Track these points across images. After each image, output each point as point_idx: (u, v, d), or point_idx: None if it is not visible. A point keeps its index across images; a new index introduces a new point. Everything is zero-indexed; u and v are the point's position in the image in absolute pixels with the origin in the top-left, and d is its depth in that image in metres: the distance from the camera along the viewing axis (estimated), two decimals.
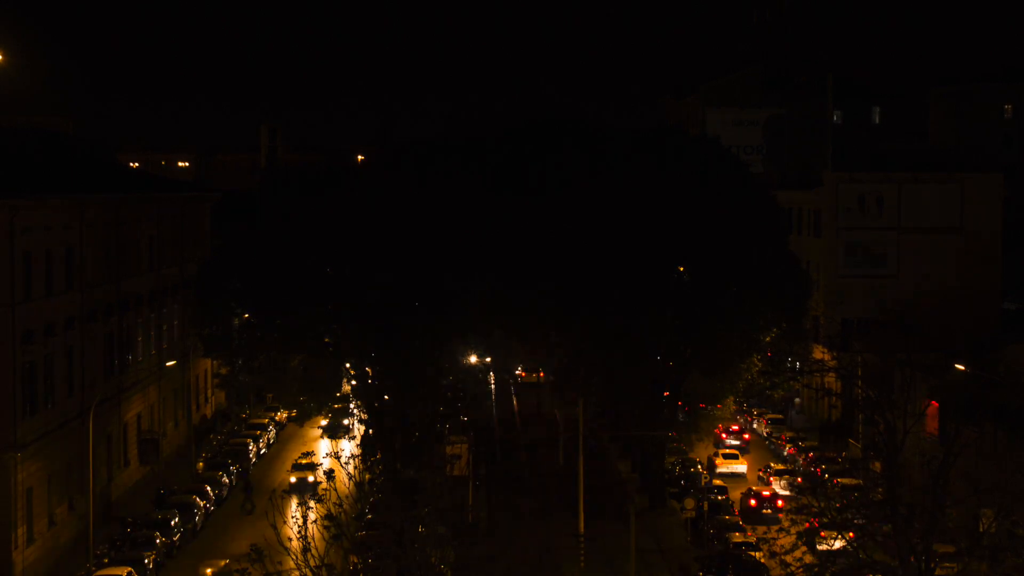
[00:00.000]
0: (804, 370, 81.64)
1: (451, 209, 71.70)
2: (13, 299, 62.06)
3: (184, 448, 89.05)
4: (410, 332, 70.99)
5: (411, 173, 74.45)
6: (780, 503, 75.41)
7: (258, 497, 77.16)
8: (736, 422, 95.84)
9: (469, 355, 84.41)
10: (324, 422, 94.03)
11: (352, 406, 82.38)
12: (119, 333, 78.90)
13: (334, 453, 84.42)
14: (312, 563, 40.49)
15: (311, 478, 77.16)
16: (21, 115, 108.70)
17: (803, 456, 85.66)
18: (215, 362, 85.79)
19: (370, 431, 76.62)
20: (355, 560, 44.82)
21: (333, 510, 42.00)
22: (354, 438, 79.59)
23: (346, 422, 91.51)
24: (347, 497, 44.86)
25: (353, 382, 79.29)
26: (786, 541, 49.28)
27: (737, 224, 74.53)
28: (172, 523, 68.21)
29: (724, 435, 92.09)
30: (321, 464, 77.39)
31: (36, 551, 64.59)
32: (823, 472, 78.52)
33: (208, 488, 76.54)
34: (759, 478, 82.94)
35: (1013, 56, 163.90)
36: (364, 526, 53.69)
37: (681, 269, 76.45)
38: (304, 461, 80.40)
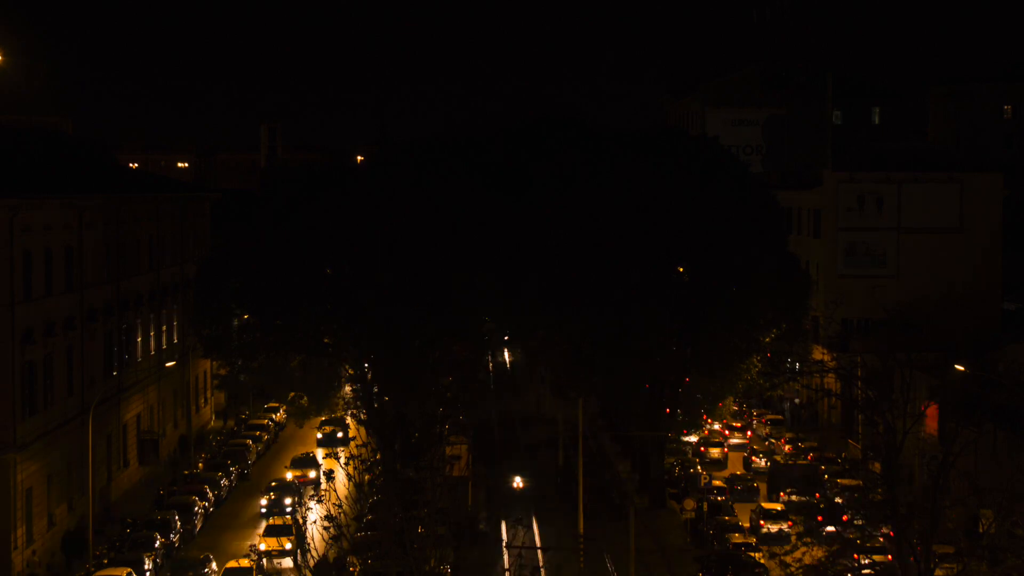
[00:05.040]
0: (804, 370, 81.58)
1: (450, 209, 71.63)
2: (13, 299, 62.04)
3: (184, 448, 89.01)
4: (409, 332, 70.93)
5: (410, 173, 74.39)
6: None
7: (258, 497, 77.18)
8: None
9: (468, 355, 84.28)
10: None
11: (349, 412, 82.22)
12: (119, 333, 78.87)
13: (334, 453, 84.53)
14: (312, 563, 40.50)
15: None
16: (21, 115, 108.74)
17: (802, 456, 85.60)
18: (215, 362, 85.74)
19: (370, 431, 76.56)
20: (354, 560, 44.84)
21: (333, 510, 41.97)
22: (353, 438, 79.56)
23: (340, 435, 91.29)
24: (347, 497, 44.85)
25: (351, 385, 79.25)
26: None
27: (737, 224, 74.48)
28: (172, 523, 68.13)
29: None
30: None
31: (36, 551, 64.52)
32: (823, 472, 78.68)
33: (208, 488, 76.49)
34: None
35: (1013, 56, 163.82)
36: (364, 526, 53.70)
37: (681, 269, 76.38)
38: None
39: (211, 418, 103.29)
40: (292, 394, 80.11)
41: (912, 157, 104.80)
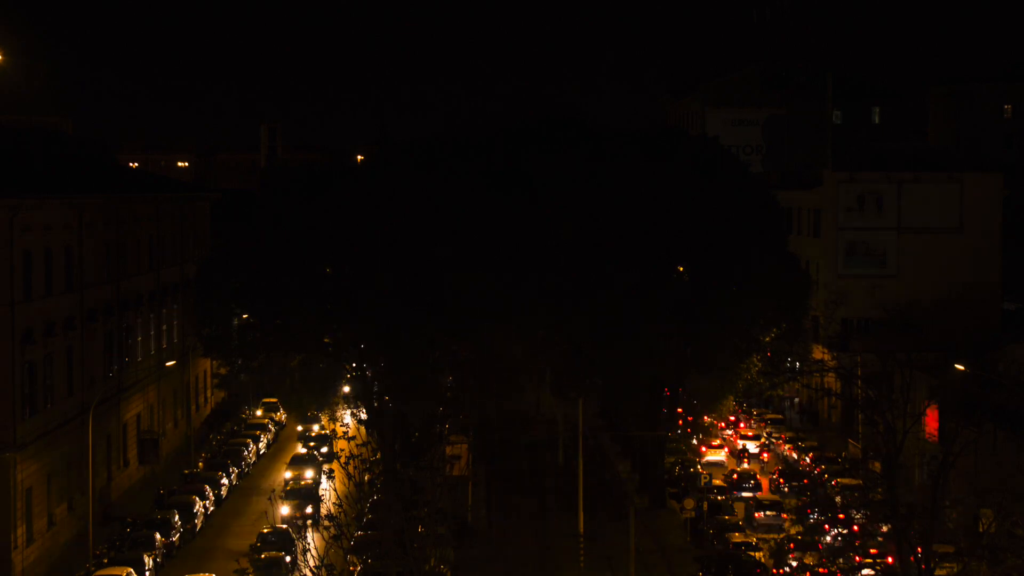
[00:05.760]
0: (804, 370, 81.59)
1: (450, 209, 71.63)
2: (13, 299, 62.04)
3: (184, 448, 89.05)
4: (409, 332, 70.92)
5: (410, 173, 74.39)
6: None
7: (258, 497, 77.30)
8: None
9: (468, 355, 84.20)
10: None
11: (350, 408, 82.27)
12: (119, 333, 78.86)
13: (334, 453, 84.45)
14: (312, 563, 40.48)
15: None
16: (21, 115, 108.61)
17: (803, 456, 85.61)
18: (215, 362, 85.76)
19: (370, 431, 76.57)
20: (354, 560, 44.82)
21: (333, 510, 41.99)
22: (353, 438, 79.45)
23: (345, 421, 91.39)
24: (347, 497, 44.85)
25: (349, 386, 79.31)
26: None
27: (737, 224, 74.49)
28: (172, 523, 68.15)
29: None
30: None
31: (36, 551, 64.57)
32: (823, 472, 78.76)
33: (208, 488, 76.48)
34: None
35: (1013, 56, 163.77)
36: (364, 526, 53.70)
37: (681, 269, 76.38)
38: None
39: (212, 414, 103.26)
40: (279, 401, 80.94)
41: (912, 157, 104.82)
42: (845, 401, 74.27)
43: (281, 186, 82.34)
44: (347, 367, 77.76)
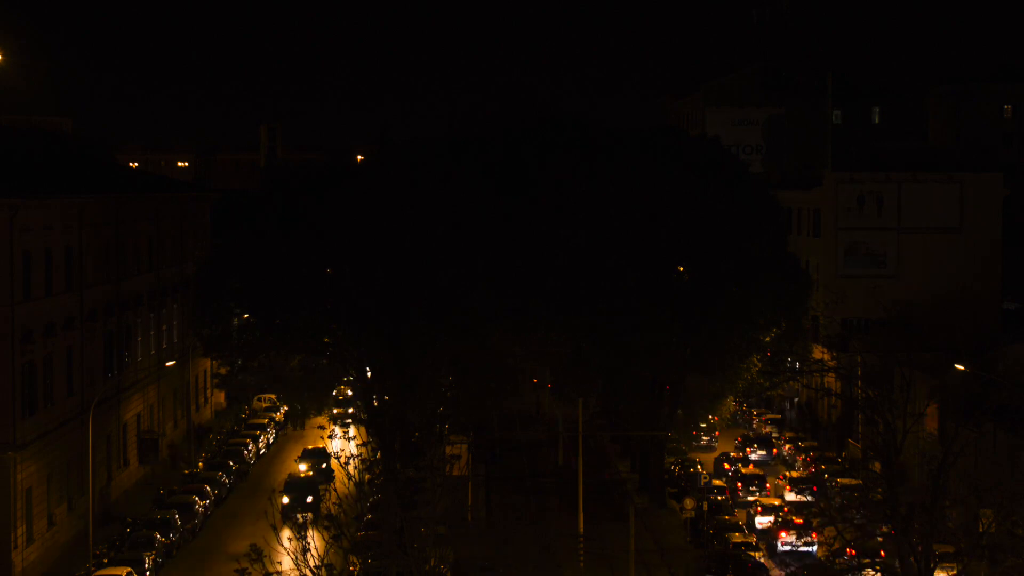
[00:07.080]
0: (804, 370, 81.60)
1: (450, 209, 71.65)
2: (13, 299, 62.04)
3: (184, 448, 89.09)
4: (409, 332, 70.92)
5: (410, 173, 74.40)
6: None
7: (258, 497, 77.21)
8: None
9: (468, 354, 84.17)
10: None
11: (351, 408, 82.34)
12: (118, 333, 78.87)
13: (334, 453, 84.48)
14: (312, 563, 40.46)
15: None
16: (21, 115, 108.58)
17: (802, 456, 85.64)
18: (215, 362, 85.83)
19: (370, 431, 76.57)
20: (354, 560, 44.83)
21: (333, 510, 41.98)
22: (354, 438, 79.56)
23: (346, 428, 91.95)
24: (347, 497, 44.84)
25: (351, 387, 79.38)
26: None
27: (737, 224, 74.52)
28: (172, 523, 68.15)
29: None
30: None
31: (36, 551, 64.59)
32: (823, 471, 78.75)
33: (208, 488, 76.50)
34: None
35: (1013, 56, 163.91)
36: (364, 526, 53.68)
37: (681, 269, 76.41)
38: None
39: (211, 417, 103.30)
40: (281, 402, 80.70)
41: (912, 157, 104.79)
42: (845, 401, 74.31)
43: (281, 186, 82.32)
44: (347, 367, 77.77)
